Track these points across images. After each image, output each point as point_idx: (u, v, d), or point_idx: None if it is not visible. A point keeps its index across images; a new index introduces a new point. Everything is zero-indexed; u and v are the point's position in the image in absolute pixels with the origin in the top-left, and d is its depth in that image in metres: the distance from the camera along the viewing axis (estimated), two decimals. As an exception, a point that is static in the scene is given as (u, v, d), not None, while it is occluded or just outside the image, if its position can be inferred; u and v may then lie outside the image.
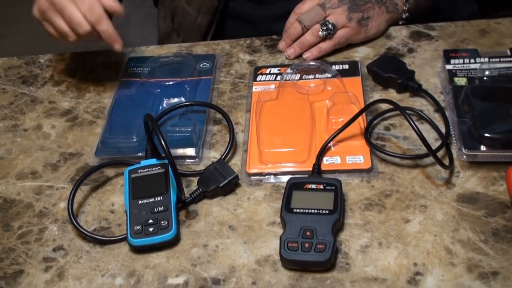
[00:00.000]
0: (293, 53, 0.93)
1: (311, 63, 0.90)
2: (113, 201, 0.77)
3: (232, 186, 0.76)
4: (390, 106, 0.78)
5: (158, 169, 0.76)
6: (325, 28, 0.89)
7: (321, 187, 0.72)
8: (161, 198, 0.73)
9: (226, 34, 1.10)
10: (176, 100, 0.88)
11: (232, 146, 0.80)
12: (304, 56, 0.92)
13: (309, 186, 0.72)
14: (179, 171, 0.75)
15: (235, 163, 0.79)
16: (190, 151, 0.80)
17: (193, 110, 0.85)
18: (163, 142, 0.69)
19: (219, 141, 0.83)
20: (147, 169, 0.76)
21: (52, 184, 0.80)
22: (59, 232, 0.74)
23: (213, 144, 0.82)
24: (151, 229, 0.70)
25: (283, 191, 0.74)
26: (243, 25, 1.08)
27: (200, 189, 0.75)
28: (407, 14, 0.96)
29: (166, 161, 0.75)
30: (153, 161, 0.77)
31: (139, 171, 0.76)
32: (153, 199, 0.73)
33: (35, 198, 0.78)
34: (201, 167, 0.79)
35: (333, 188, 0.71)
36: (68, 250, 0.72)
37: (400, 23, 0.97)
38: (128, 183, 0.75)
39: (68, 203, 0.74)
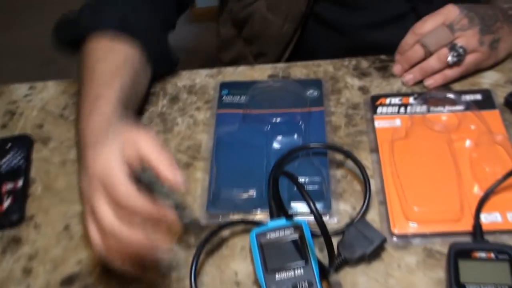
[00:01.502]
0: (412, 79, 0.81)
1: (440, 92, 0.78)
2: (235, 270, 0.65)
3: (378, 251, 0.65)
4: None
5: (291, 232, 0.64)
6: (455, 54, 0.78)
7: (492, 255, 0.61)
8: (302, 271, 0.62)
9: (309, 44, 0.97)
10: (290, 138, 0.76)
11: (370, 201, 0.69)
12: (426, 83, 0.81)
13: (478, 254, 0.61)
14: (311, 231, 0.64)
15: (371, 218, 0.68)
16: (318, 206, 0.68)
17: (313, 152, 0.73)
18: (312, 207, 0.58)
19: (347, 190, 0.71)
20: (278, 232, 0.65)
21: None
22: (178, 310, 0.63)
23: (340, 194, 0.71)
24: (298, 312, 0.59)
25: (437, 255, 0.64)
26: (330, 33, 0.95)
27: (343, 256, 0.64)
28: None
29: (300, 222, 0.64)
30: (283, 221, 0.65)
31: (268, 235, 0.64)
32: (293, 273, 0.62)
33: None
34: (333, 225, 0.68)
35: (507, 257, 0.61)
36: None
37: None
38: (258, 250, 0.63)
39: (190, 276, 0.63)
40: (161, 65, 0.84)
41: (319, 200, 0.69)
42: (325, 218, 0.68)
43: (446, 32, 0.78)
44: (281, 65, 0.88)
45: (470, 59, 0.79)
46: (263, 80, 0.85)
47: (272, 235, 0.64)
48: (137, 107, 0.80)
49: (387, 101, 0.79)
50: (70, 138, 0.81)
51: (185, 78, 0.88)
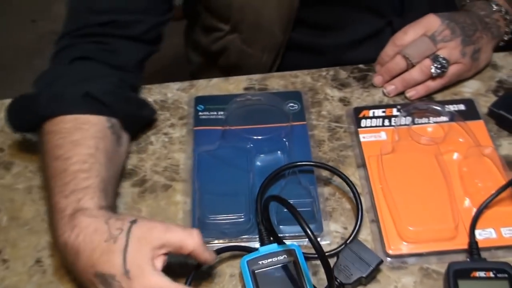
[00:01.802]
0: (394, 90, 0.79)
1: (423, 104, 0.77)
2: (226, 299, 0.62)
3: (375, 273, 0.62)
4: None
5: (284, 257, 0.61)
6: (439, 65, 0.76)
7: (491, 274, 0.60)
8: None
9: (290, 68, 0.90)
10: (274, 155, 0.72)
11: (362, 220, 0.66)
12: (408, 94, 0.79)
13: (477, 274, 0.60)
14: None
15: (364, 238, 0.66)
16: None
17: (300, 170, 0.70)
18: (310, 233, 0.55)
19: (336, 209, 0.68)
20: (270, 259, 0.61)
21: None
22: None
23: (329, 213, 0.68)
24: None
25: (434, 275, 0.62)
26: (309, 55, 0.92)
27: (340, 280, 0.61)
28: (510, 36, 0.84)
29: (292, 246, 0.61)
30: (275, 247, 0.62)
31: (260, 262, 0.61)
32: None
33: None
34: (325, 246, 0.65)
35: (506, 276, 0.59)
36: None
37: (501, 44, 0.85)
38: (250, 278, 0.60)
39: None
40: (137, 124, 0.77)
41: (311, 222, 0.65)
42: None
43: (428, 43, 0.77)
44: (256, 77, 0.84)
45: (452, 70, 0.78)
46: (240, 94, 0.81)
47: (264, 262, 0.61)
48: (117, 184, 0.71)
49: (370, 113, 0.77)
50: (35, 161, 0.75)
51: (155, 93, 0.83)
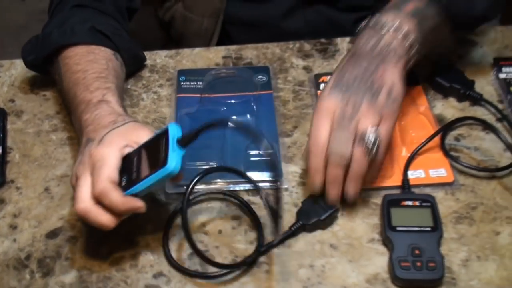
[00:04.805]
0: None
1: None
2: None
3: (332, 219, 0.75)
4: (456, 116, 0.84)
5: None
6: (371, 146, 0.70)
7: (417, 203, 0.74)
8: None
9: (234, 41, 1.05)
10: (243, 117, 0.86)
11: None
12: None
13: (406, 203, 0.74)
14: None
15: (317, 177, 0.80)
16: (271, 175, 0.78)
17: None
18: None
19: (297, 154, 0.82)
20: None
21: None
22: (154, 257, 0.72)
23: (290, 158, 0.82)
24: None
25: (373, 206, 0.76)
26: (247, 28, 1.05)
27: (300, 222, 0.74)
28: (413, 51, 0.76)
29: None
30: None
31: None
32: None
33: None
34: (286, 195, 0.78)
35: (429, 204, 0.74)
36: (170, 276, 0.70)
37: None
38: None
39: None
40: (133, 65, 0.92)
41: (272, 171, 0.76)
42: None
43: (345, 133, 0.69)
44: (233, 47, 0.98)
45: (383, 131, 0.71)
46: (216, 68, 0.95)
47: None
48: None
49: (328, 78, 0.90)
50: (43, 112, 0.88)
51: (147, 58, 0.96)
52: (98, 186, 0.64)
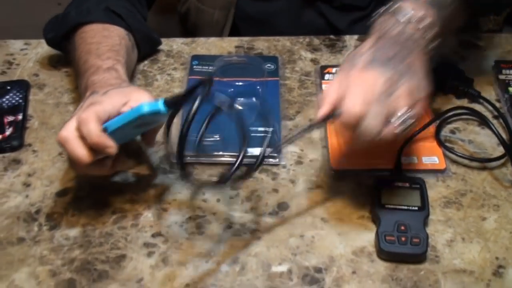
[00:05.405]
0: None
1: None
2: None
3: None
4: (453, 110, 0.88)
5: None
6: (403, 124, 0.69)
7: (407, 185, 0.77)
8: None
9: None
10: (249, 100, 0.91)
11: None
12: None
13: (396, 183, 0.78)
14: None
15: (316, 158, 0.84)
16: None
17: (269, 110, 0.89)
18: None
19: (297, 137, 0.87)
20: None
21: (137, 171, 0.82)
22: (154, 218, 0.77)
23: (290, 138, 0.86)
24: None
25: (366, 187, 0.80)
26: (256, 25, 1.10)
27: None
28: (433, 45, 0.76)
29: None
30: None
31: None
32: None
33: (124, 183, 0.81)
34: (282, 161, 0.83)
35: (418, 186, 0.77)
36: (167, 236, 0.74)
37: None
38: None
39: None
40: (146, 46, 0.98)
41: (271, 147, 0.79)
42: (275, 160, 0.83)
43: (381, 108, 0.67)
44: (246, 39, 1.03)
45: (416, 115, 0.69)
46: (228, 55, 1.00)
47: None
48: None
49: (333, 70, 0.95)
50: (63, 86, 0.94)
51: (164, 44, 1.02)
52: (83, 114, 0.69)
